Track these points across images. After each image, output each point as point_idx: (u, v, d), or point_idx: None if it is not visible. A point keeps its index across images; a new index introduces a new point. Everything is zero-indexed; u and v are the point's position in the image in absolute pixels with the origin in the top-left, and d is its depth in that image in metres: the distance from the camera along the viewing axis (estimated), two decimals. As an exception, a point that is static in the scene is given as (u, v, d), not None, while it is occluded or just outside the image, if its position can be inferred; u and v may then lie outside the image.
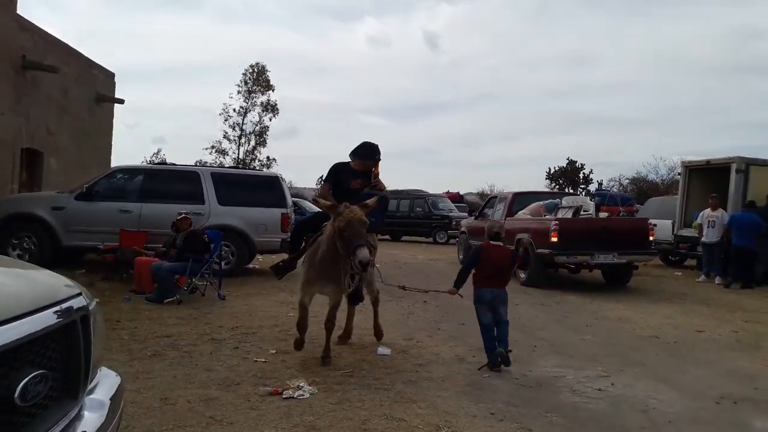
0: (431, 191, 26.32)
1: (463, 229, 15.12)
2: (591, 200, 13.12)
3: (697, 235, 12.74)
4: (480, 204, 17.84)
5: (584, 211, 11.31)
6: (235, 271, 10.71)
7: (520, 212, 12.43)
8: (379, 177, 5.89)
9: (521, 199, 13.01)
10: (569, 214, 11.12)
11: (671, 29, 66.12)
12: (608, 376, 5.27)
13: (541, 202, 12.40)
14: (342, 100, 70.95)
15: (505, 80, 72.84)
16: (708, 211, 11.98)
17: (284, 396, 4.38)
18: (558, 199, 12.65)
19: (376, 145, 5.91)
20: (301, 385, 4.61)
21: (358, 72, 74.47)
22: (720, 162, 12.67)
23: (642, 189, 35.98)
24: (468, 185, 71.37)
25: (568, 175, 47.21)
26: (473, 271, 5.64)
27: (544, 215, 11.62)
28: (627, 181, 40.02)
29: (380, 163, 5.93)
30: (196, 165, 14.11)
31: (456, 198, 30.73)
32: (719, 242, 11.71)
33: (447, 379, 5.09)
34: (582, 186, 45.91)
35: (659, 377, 5.30)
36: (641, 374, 5.39)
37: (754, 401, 4.69)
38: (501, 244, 5.77)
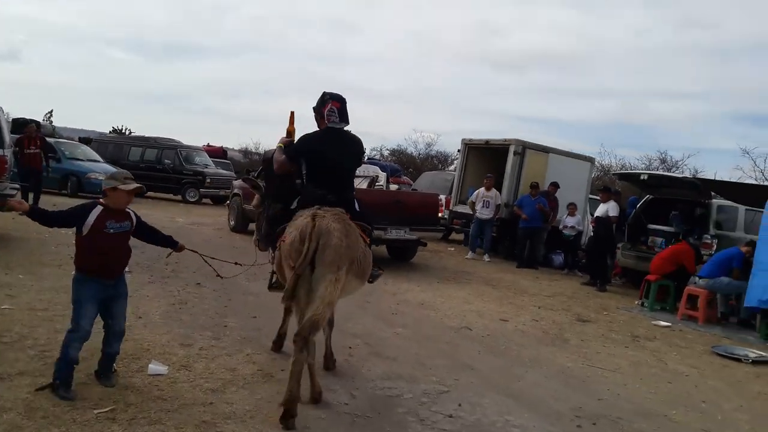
0: (187, 143, 23.26)
1: (236, 190, 13.34)
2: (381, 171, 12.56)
3: (471, 212, 13.12)
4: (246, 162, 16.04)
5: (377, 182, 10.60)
6: None
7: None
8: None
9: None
10: (364, 185, 10.29)
11: (429, 12, 70.87)
12: (448, 391, 4.43)
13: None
14: (82, 26, 60.35)
15: (269, 33, 69.91)
16: (482, 190, 12.27)
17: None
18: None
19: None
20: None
21: None
22: (499, 143, 13.12)
23: (401, 161, 37.73)
24: (229, 140, 67.56)
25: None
26: None
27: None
28: (387, 152, 41.65)
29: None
30: None
31: (219, 153, 28.06)
32: (490, 220, 12.12)
33: (256, 413, 3.69)
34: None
35: (500, 388, 4.65)
36: (479, 385, 4.68)
37: (611, 419, 4.27)
38: None
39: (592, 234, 10.85)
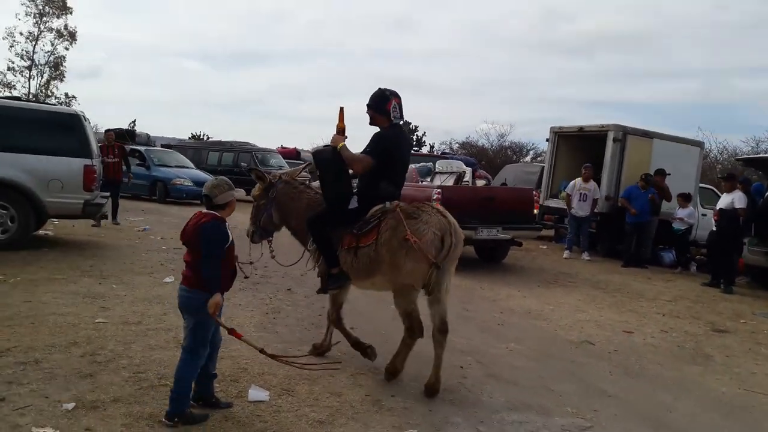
0: (261, 145, 23.49)
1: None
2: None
3: (564, 207, 12.19)
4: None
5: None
6: (16, 243, 7.57)
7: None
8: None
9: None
10: (450, 181, 9.65)
11: (490, 3, 68.44)
12: (591, 427, 3.76)
13: (413, 165, 10.81)
14: (155, 41, 62.52)
15: (329, 37, 69.98)
16: (579, 182, 11.24)
17: None
18: (430, 162, 11.19)
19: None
20: None
21: (175, 11, 66.15)
22: (595, 129, 12.02)
23: (472, 154, 36.65)
24: (300, 141, 68.58)
25: (404, 136, 46.74)
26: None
27: (420, 180, 10.04)
28: (457, 145, 40.64)
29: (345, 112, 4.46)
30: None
31: (293, 154, 28.18)
32: (589, 215, 11.14)
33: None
34: (415, 149, 46.01)
35: (651, 422, 3.92)
36: (625, 417, 3.97)
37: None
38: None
39: (714, 228, 9.62)
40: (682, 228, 10.98)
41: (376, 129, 4.37)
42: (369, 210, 4.31)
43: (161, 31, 63.31)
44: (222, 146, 21.60)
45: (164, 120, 73.36)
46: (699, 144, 13.15)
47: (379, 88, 4.32)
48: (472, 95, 61.29)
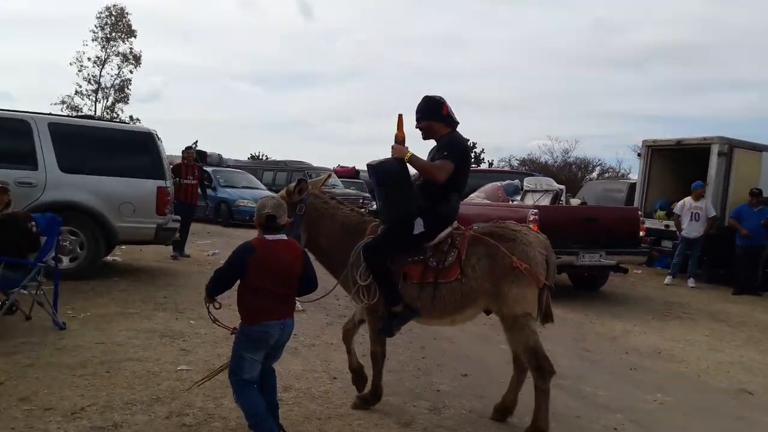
0: (317, 165, 23.02)
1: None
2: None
3: (662, 228, 11.06)
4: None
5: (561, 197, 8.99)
6: (86, 271, 7.12)
7: (471, 195, 9.81)
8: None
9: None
10: (546, 200, 8.74)
11: (537, 18, 66.63)
12: None
13: (498, 183, 9.96)
14: (210, 64, 63.57)
15: (376, 56, 69.60)
16: (689, 200, 10.12)
17: None
18: (516, 180, 10.30)
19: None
20: None
21: (228, 36, 67.25)
22: (695, 142, 10.90)
23: (534, 170, 35.42)
24: (356, 160, 68.51)
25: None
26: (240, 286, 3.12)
27: (510, 200, 9.17)
28: (517, 162, 39.42)
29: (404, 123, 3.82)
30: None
31: (352, 173, 27.67)
32: (700, 237, 9.99)
33: None
34: (473, 166, 45.07)
35: None
36: None
37: None
38: (285, 237, 3.21)
39: None
40: None
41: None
42: (436, 234, 3.66)
43: (216, 54, 64.54)
44: (276, 166, 21.29)
45: (223, 141, 74.86)
46: (811, 156, 11.79)
47: (425, 96, 3.83)
48: (522, 111, 59.80)
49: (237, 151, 56.13)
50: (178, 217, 8.20)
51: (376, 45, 68.55)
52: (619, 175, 31.91)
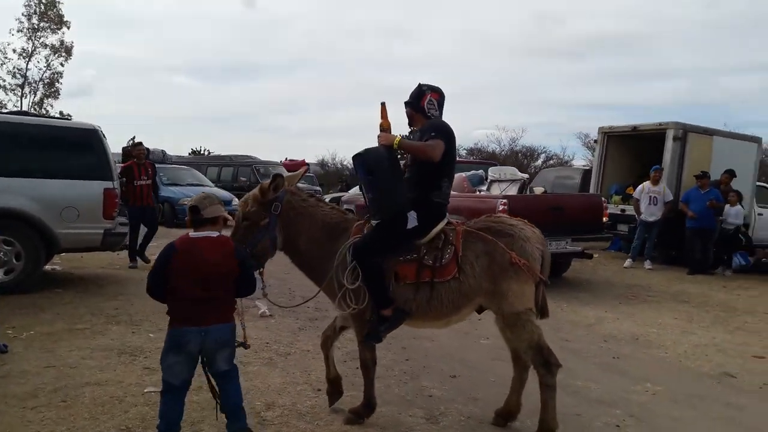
0: (263, 159, 22.31)
1: (347, 207, 11.97)
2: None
3: (618, 212, 11.22)
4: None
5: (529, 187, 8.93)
6: (24, 284, 6.48)
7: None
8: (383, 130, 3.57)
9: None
10: (513, 190, 8.64)
11: (481, 8, 67.24)
12: None
13: (463, 174, 9.80)
14: (145, 56, 60.40)
15: (323, 46, 68.21)
16: (648, 185, 10.28)
17: None
18: (480, 170, 10.18)
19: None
20: None
21: (164, 26, 64.27)
22: (651, 128, 11.09)
23: (483, 159, 35.73)
24: (304, 153, 67.09)
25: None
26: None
27: (476, 190, 9.03)
28: (465, 151, 39.70)
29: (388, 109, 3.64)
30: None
31: (301, 167, 26.99)
32: (658, 221, 10.18)
33: None
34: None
35: None
36: None
37: None
38: (214, 234, 2.97)
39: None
40: (732, 228, 10.22)
41: None
42: (430, 229, 3.43)
43: (150, 45, 61.58)
44: (221, 160, 20.53)
45: (161, 136, 71.85)
46: (756, 140, 12.23)
47: (419, 83, 3.68)
48: (466, 100, 60.43)
49: (177, 147, 53.98)
50: (127, 221, 7.60)
51: (323, 35, 67.46)
52: (563, 161, 32.72)
